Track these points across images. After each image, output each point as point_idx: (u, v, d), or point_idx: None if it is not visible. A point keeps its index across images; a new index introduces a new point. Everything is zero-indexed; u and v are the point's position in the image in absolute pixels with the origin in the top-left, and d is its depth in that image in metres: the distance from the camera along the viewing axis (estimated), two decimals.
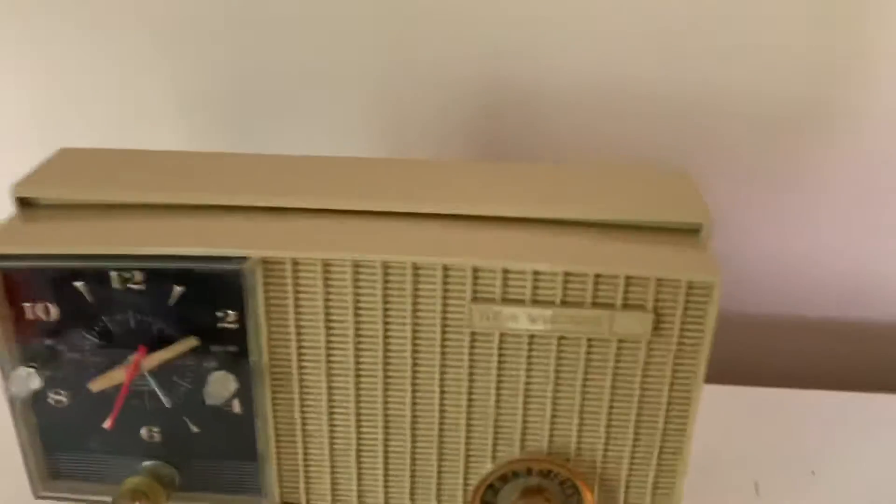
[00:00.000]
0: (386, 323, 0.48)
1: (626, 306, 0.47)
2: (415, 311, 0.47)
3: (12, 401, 0.50)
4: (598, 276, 0.46)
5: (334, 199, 0.50)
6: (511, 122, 0.76)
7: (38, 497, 0.54)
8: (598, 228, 0.49)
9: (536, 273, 0.46)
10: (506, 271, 0.46)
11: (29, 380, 0.49)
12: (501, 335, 0.48)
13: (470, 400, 0.50)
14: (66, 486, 0.54)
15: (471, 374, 0.49)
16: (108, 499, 0.52)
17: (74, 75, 0.78)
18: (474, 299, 0.47)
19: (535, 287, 0.46)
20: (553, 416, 0.50)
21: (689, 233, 0.49)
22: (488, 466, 0.52)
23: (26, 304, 0.49)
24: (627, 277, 0.46)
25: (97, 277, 0.48)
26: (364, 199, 0.50)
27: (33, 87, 0.78)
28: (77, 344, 0.50)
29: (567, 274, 0.46)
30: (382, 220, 0.49)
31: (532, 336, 0.48)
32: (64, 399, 0.51)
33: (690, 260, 0.47)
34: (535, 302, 0.47)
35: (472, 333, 0.48)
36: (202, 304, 0.48)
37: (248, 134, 0.79)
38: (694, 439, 0.51)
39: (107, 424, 0.51)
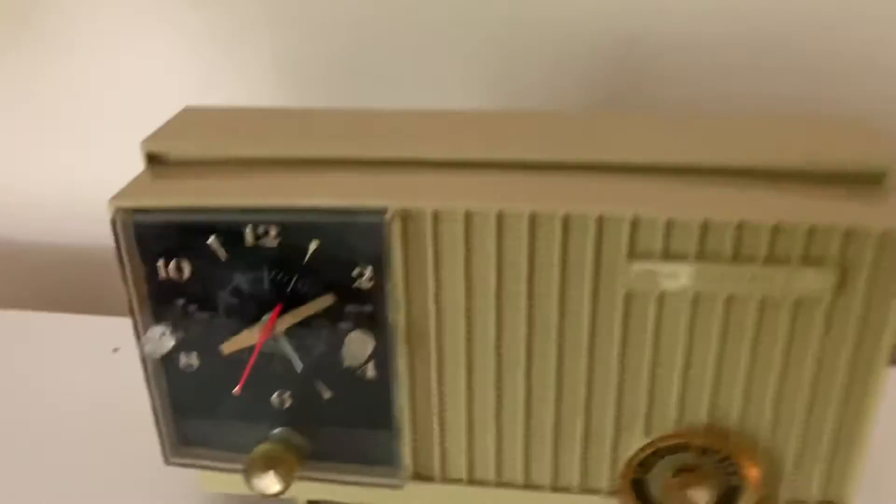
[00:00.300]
0: (532, 281, 0.44)
1: (805, 261, 0.42)
2: (564, 268, 0.44)
3: (146, 361, 0.49)
4: (775, 226, 0.41)
5: (473, 151, 0.47)
6: (638, 75, 0.72)
7: (168, 464, 0.53)
8: (768, 178, 0.44)
9: (705, 224, 0.42)
10: (669, 223, 0.42)
11: (163, 340, 0.47)
12: (660, 295, 0.44)
13: (622, 367, 0.46)
14: (196, 452, 0.53)
15: (624, 338, 0.45)
16: (239, 466, 0.50)
17: (193, 43, 0.77)
18: (631, 255, 0.43)
19: (703, 240, 0.42)
20: (714, 387, 0.45)
21: (872, 181, 0.44)
22: (639, 441, 0.47)
23: (159, 263, 0.47)
24: (810, 228, 0.41)
25: (230, 233, 0.46)
26: (504, 149, 0.47)
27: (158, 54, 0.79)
28: (209, 304, 0.48)
29: (740, 225, 0.41)
30: (527, 171, 0.46)
31: (696, 296, 0.43)
32: (195, 362, 0.50)
33: (881, 209, 0.42)
34: (701, 257, 0.42)
35: (627, 294, 0.44)
36: (338, 261, 0.45)
37: (359, 90, 0.77)
38: (876, 423, 0.46)
39: (236, 390, 0.49)
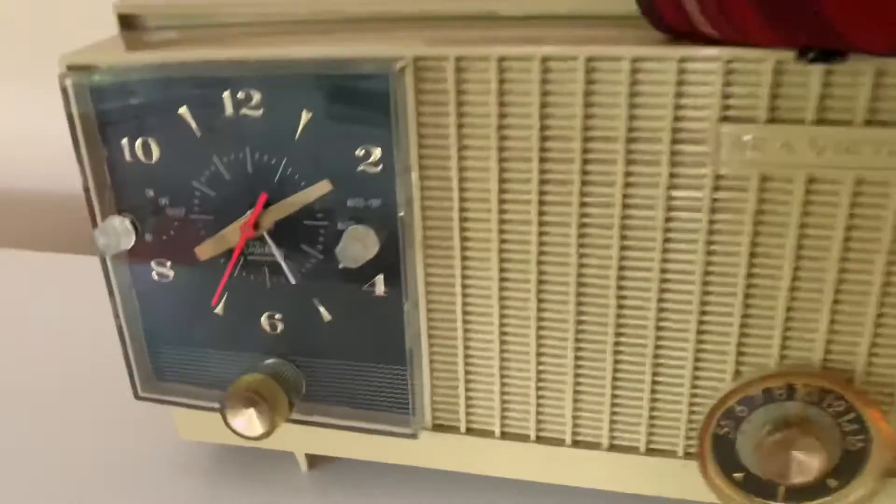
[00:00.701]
0: (586, 159, 0.34)
1: None
2: (630, 139, 0.33)
3: (106, 268, 0.40)
4: None
5: (505, 6, 0.36)
6: None
7: (138, 398, 0.43)
8: None
9: (829, 69, 0.30)
10: (779, 67, 0.30)
11: (122, 233, 0.38)
12: (762, 178, 0.32)
13: (705, 277, 0.34)
14: (170, 388, 0.43)
15: (709, 238, 0.34)
16: (217, 405, 0.41)
17: None
18: (724, 118, 0.32)
19: (825, 94, 0.30)
20: (834, 311, 0.34)
21: None
22: (726, 383, 0.36)
23: (123, 141, 0.38)
24: None
25: (206, 101, 0.36)
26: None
27: None
28: (183, 196, 0.39)
29: (880, 73, 0.30)
30: (576, 21, 0.35)
31: (811, 179, 0.32)
32: (169, 273, 0.41)
33: None
34: (823, 120, 0.31)
35: (717, 176, 0.33)
36: (337, 138, 0.36)
37: None
38: None
39: (213, 301, 0.40)
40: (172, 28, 0.41)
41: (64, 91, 0.37)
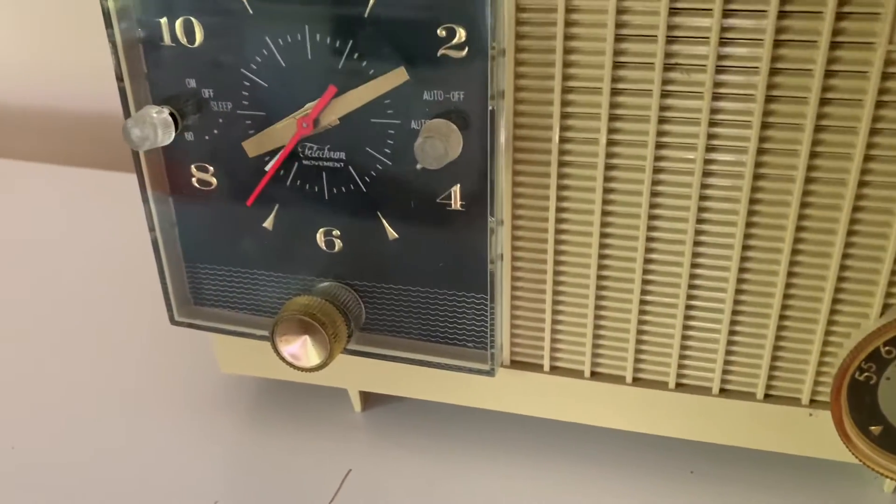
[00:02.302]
0: (721, 67, 0.27)
1: None
2: (777, 41, 0.27)
3: (135, 155, 0.35)
4: None
5: None
6: None
7: (174, 323, 0.38)
8: None
9: None
10: None
11: (160, 125, 0.32)
12: None
13: (859, 192, 0.28)
14: (210, 313, 0.38)
15: (866, 136, 0.28)
16: (265, 332, 0.36)
17: None
18: None
19: None
20: None
21: None
22: (872, 320, 0.30)
23: (162, 21, 0.33)
24: None
25: None
26: None
27: None
28: (230, 87, 0.33)
29: None
30: None
31: None
32: (211, 180, 0.35)
33: None
34: None
35: (890, 60, 0.26)
36: (413, 14, 0.30)
37: None
38: None
39: (248, 201, 0.34)
40: None
41: None
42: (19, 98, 0.79)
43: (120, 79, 0.34)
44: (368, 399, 0.42)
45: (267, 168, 0.34)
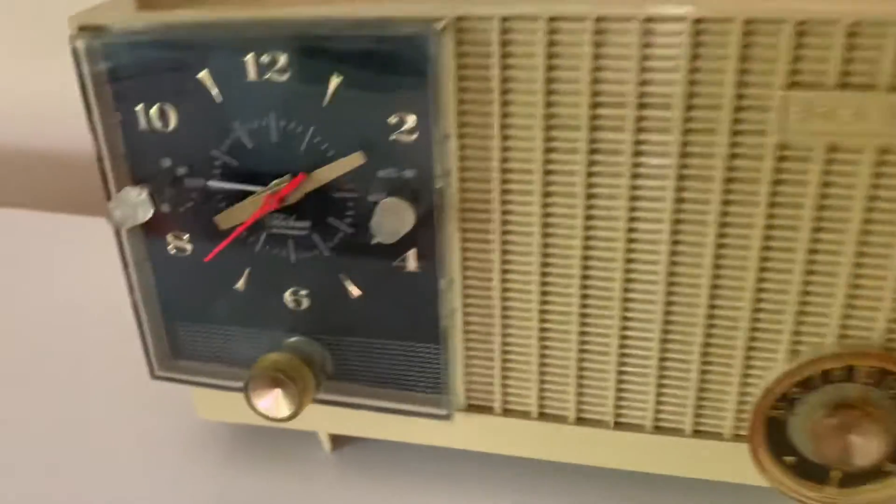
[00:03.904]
0: (639, 127, 0.31)
1: None
2: (689, 106, 0.30)
3: (121, 240, 0.38)
4: None
5: None
6: None
7: (154, 377, 0.41)
8: None
9: None
10: (853, 29, 0.28)
11: (139, 205, 0.36)
12: (829, 148, 0.30)
13: (763, 254, 0.32)
14: (188, 366, 0.41)
15: (769, 212, 0.31)
16: (240, 384, 0.39)
17: None
18: (792, 84, 0.29)
19: None
20: None
21: None
22: (781, 366, 0.34)
23: (138, 108, 0.36)
24: None
25: (228, 65, 0.34)
26: None
27: None
28: (202, 165, 0.36)
29: None
30: None
31: (883, 150, 0.30)
32: (186, 246, 0.38)
33: None
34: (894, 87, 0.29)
35: (781, 145, 0.30)
36: (368, 104, 0.33)
37: None
38: None
39: (207, 258, 0.38)
40: None
41: (75, 53, 0.35)
42: None
43: (100, 159, 0.37)
44: (338, 440, 0.45)
45: (245, 240, 0.37)
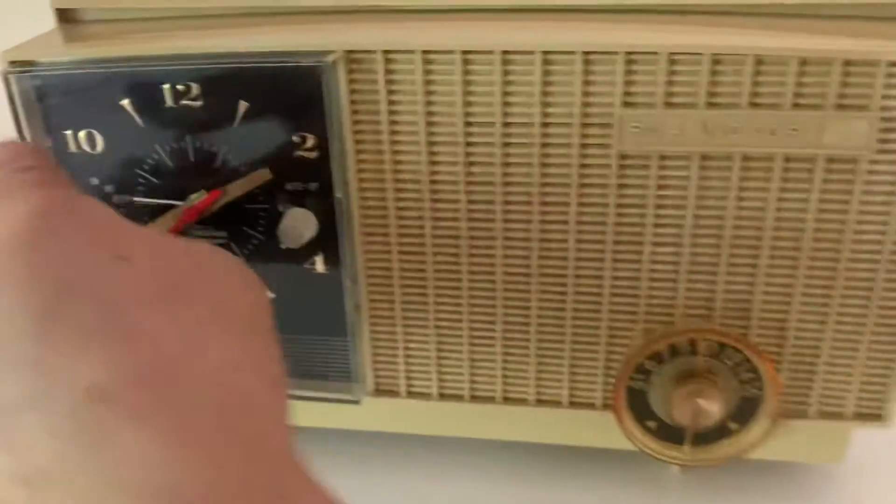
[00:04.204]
0: (506, 143, 0.37)
1: (841, 107, 0.34)
2: (545, 124, 0.36)
3: None
4: (803, 61, 0.33)
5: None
6: None
7: None
8: (799, 17, 0.36)
9: (716, 58, 0.34)
10: (673, 58, 0.34)
11: None
12: (661, 157, 0.36)
13: (615, 248, 0.38)
14: None
15: (617, 212, 0.37)
16: None
17: None
18: (626, 104, 0.35)
19: (713, 82, 0.34)
20: (728, 272, 0.38)
21: None
22: (637, 341, 0.40)
23: (67, 133, 0.40)
24: (846, 62, 0.33)
25: (147, 93, 0.38)
26: None
27: None
28: (127, 183, 0.40)
29: (759, 61, 0.33)
30: (498, 14, 0.38)
31: (704, 157, 0.36)
32: None
33: None
34: (713, 104, 0.34)
35: (622, 154, 0.36)
36: (273, 126, 0.38)
37: None
38: None
39: None
40: (110, 21, 0.42)
41: (7, 86, 0.38)
42: None
43: None
44: None
45: None
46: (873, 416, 0.40)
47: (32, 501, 0.20)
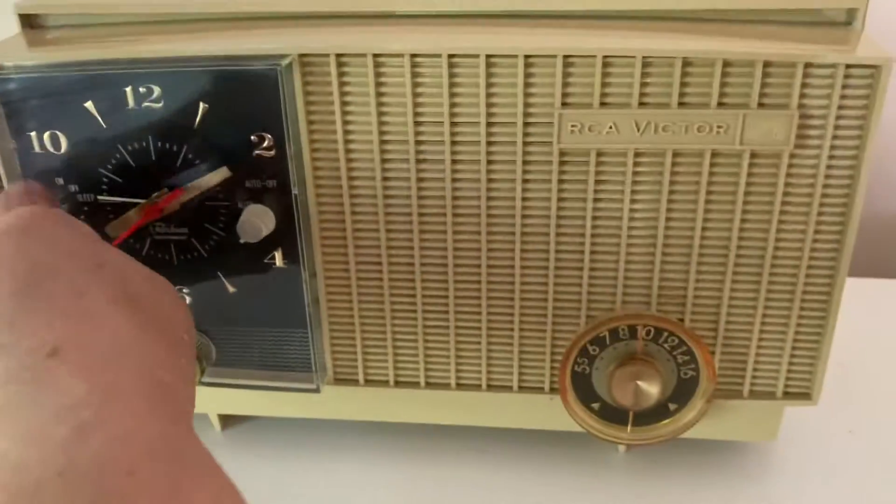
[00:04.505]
0: (454, 141, 0.39)
1: (763, 105, 0.36)
2: (489, 123, 0.38)
3: None
4: (727, 63, 0.36)
5: (384, 3, 0.41)
6: None
7: None
8: (724, 22, 0.39)
9: (646, 61, 0.36)
10: (606, 60, 0.36)
11: None
12: (599, 153, 0.38)
13: (558, 239, 0.40)
14: None
15: (559, 206, 0.39)
16: None
17: None
18: (565, 104, 0.37)
19: (644, 83, 0.37)
20: (664, 262, 0.40)
21: (839, 24, 0.39)
22: (580, 327, 0.42)
23: (32, 134, 0.41)
24: (766, 64, 0.36)
25: (110, 96, 0.40)
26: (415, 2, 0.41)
27: None
28: (91, 182, 0.42)
29: (687, 63, 0.36)
30: (441, 20, 0.40)
31: (638, 153, 0.38)
32: None
33: (846, 42, 0.37)
34: (644, 104, 0.37)
35: (562, 152, 0.38)
36: (232, 126, 0.39)
37: None
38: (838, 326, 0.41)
39: None
40: (72, 26, 0.44)
41: None
42: None
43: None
44: (227, 420, 0.51)
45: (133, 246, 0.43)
46: (802, 395, 0.43)
47: None
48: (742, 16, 0.39)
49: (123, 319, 0.29)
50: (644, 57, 0.36)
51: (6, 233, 0.30)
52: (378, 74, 0.38)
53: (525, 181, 0.39)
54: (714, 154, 0.38)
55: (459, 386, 0.45)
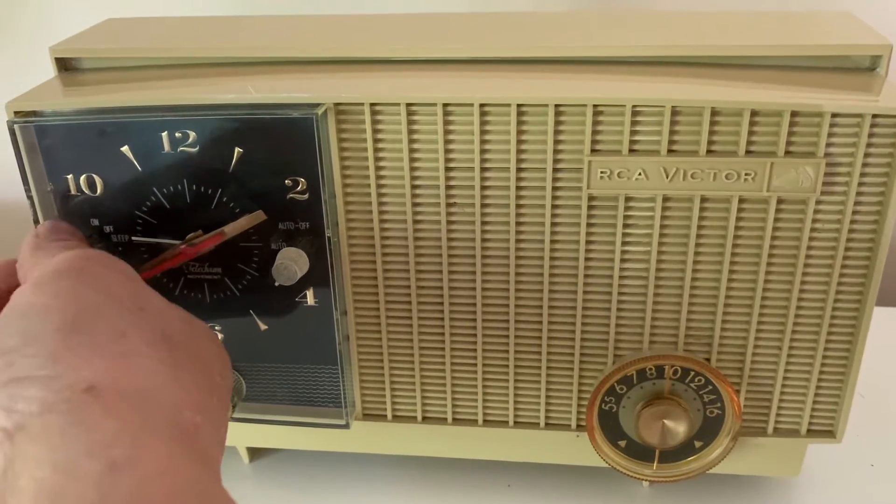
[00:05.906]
0: (484, 186, 0.39)
1: (790, 153, 0.37)
2: (519, 169, 0.39)
3: None
4: (755, 112, 0.36)
5: (413, 50, 0.42)
6: None
7: None
8: (750, 68, 0.40)
9: (675, 111, 0.37)
10: (636, 110, 0.37)
11: None
12: (627, 199, 0.39)
13: (586, 281, 0.41)
14: None
15: (588, 249, 0.40)
16: None
17: None
18: (594, 151, 0.38)
19: (673, 131, 0.37)
20: (691, 304, 0.41)
21: (863, 70, 0.39)
22: (608, 367, 0.43)
23: (69, 177, 0.42)
24: (793, 113, 0.36)
25: (146, 140, 0.40)
26: (449, 46, 0.42)
27: None
28: (126, 224, 0.43)
29: (715, 112, 0.37)
30: (474, 66, 0.41)
31: (666, 198, 0.39)
32: None
33: (871, 89, 0.37)
34: (673, 151, 0.38)
35: (591, 197, 0.39)
36: (267, 170, 0.40)
37: None
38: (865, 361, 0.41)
39: None
40: (107, 69, 0.44)
41: (12, 134, 0.41)
42: None
43: (36, 222, 0.43)
44: (255, 452, 0.52)
45: (167, 286, 0.44)
46: (826, 432, 0.44)
47: (16, 451, 0.25)
48: (767, 61, 0.40)
49: (158, 361, 0.30)
50: (673, 106, 0.37)
51: (66, 274, 0.32)
52: (411, 122, 0.38)
53: (554, 224, 0.40)
54: (741, 200, 0.38)
55: (486, 422, 0.45)
